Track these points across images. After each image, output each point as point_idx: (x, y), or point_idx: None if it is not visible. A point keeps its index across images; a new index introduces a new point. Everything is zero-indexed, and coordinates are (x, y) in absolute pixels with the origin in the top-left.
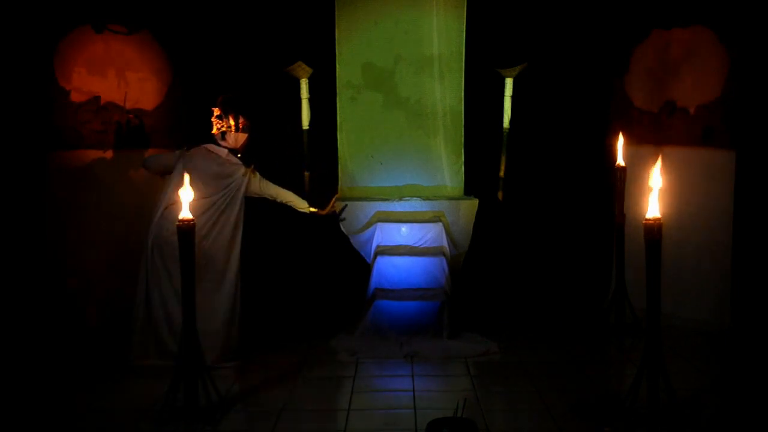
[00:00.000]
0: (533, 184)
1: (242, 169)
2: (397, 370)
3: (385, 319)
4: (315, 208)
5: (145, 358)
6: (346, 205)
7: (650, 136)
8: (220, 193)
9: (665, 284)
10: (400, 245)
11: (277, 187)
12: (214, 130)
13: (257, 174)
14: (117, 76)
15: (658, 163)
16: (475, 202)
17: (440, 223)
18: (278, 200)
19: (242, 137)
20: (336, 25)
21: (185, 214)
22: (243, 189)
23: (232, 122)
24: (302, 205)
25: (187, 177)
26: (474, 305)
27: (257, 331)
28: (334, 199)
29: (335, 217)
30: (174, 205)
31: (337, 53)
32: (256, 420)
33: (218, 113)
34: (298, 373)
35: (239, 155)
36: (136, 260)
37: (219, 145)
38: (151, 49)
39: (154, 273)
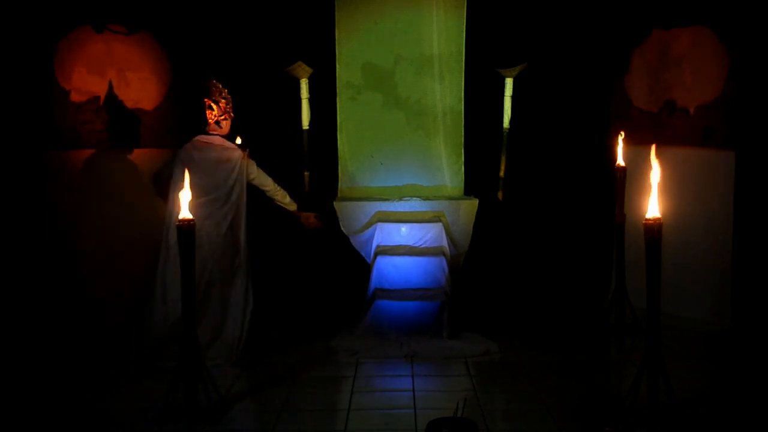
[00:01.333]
0: (533, 184)
1: (238, 152)
2: (397, 370)
3: (385, 319)
4: (302, 212)
5: (159, 359)
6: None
7: (650, 136)
8: (228, 183)
9: (665, 284)
10: (400, 245)
11: (272, 181)
12: (210, 120)
13: (253, 161)
14: (117, 76)
15: (655, 162)
16: (475, 202)
17: (440, 223)
18: (268, 194)
19: (229, 121)
20: (336, 25)
21: (185, 213)
22: (245, 172)
23: (223, 107)
24: (291, 207)
25: (186, 177)
26: (474, 305)
27: (257, 330)
28: (313, 216)
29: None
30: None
31: (337, 53)
32: (255, 420)
33: (209, 103)
34: (298, 373)
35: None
36: (138, 260)
37: (209, 134)
38: (151, 49)
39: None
